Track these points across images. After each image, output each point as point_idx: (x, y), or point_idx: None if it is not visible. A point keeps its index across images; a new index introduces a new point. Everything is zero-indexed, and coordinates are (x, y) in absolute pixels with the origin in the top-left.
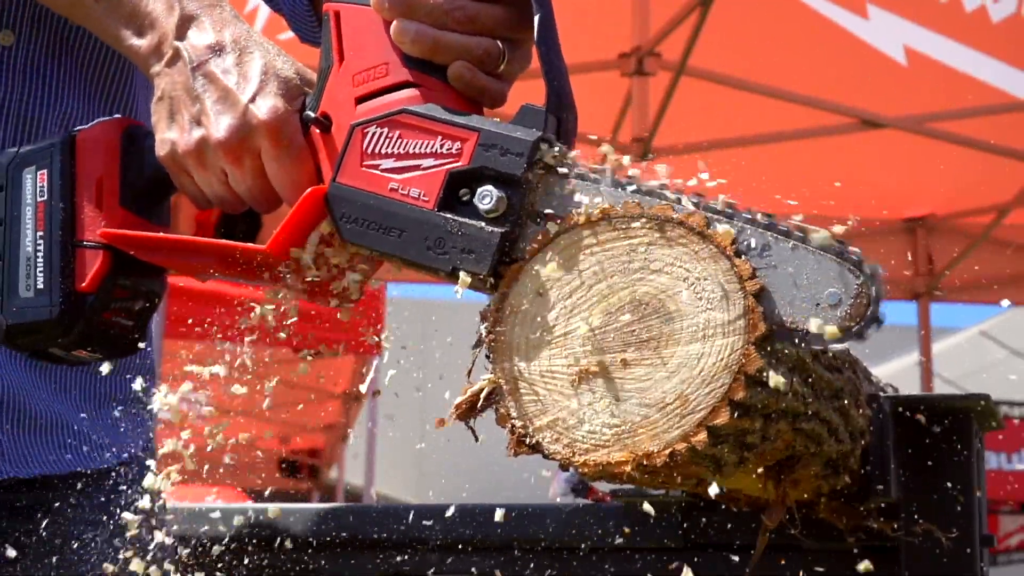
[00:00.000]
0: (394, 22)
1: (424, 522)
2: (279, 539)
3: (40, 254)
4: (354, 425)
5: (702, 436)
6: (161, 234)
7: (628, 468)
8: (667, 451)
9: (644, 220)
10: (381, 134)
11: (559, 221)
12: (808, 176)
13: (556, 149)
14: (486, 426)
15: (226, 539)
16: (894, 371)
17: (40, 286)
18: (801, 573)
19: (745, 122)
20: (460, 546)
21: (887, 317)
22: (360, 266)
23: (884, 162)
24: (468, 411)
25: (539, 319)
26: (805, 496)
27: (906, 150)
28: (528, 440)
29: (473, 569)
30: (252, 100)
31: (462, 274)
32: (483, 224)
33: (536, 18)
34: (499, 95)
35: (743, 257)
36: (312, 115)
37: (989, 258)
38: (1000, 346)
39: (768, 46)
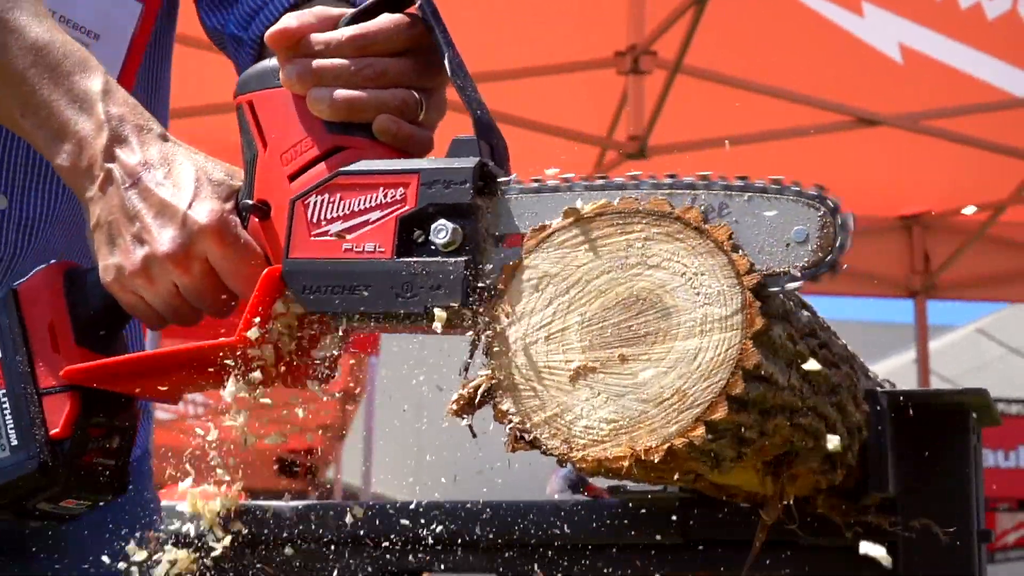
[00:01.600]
0: (308, 94)
1: (419, 519)
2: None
3: (7, 411)
4: (350, 425)
5: (700, 431)
6: (122, 356)
7: (626, 463)
8: (665, 446)
9: (641, 215)
10: (322, 201)
11: (529, 233)
12: (804, 174)
13: (497, 171)
14: (484, 424)
15: (225, 536)
16: (891, 369)
17: (15, 443)
18: (798, 569)
19: (741, 120)
20: (456, 543)
21: (883, 314)
22: (330, 342)
23: (880, 160)
24: (465, 407)
25: (536, 315)
26: (802, 492)
27: (902, 148)
28: (526, 436)
29: (469, 566)
30: (190, 207)
31: (436, 311)
32: (444, 258)
33: (445, 59)
34: (426, 142)
35: (740, 252)
36: (250, 203)
37: (985, 255)
38: (997, 344)
39: (763, 44)
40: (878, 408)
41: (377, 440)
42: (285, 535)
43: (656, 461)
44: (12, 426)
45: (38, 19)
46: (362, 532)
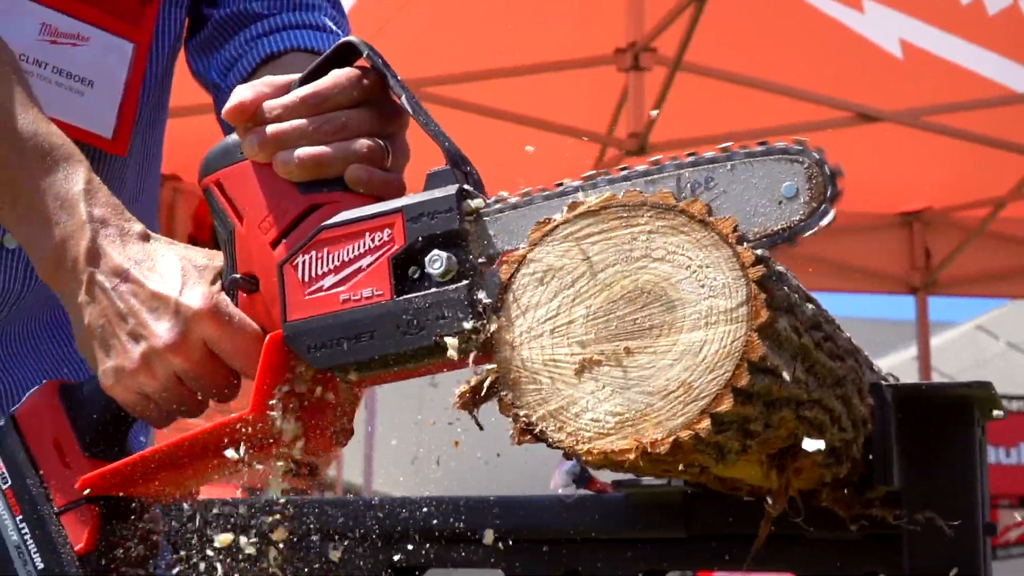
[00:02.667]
0: (273, 160)
1: (422, 514)
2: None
3: (28, 537)
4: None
5: (706, 423)
6: (135, 455)
7: (632, 456)
8: (671, 439)
9: (646, 208)
10: (310, 259)
11: (533, 226)
12: None
13: (476, 195)
14: (486, 420)
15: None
16: (891, 366)
17: (42, 566)
18: (803, 562)
19: (741, 117)
20: (459, 539)
21: (883, 311)
22: (345, 398)
23: (881, 156)
24: (470, 401)
25: (541, 308)
26: (807, 486)
27: (902, 144)
28: (531, 429)
29: (473, 562)
30: (180, 294)
31: (447, 340)
32: (444, 287)
33: (403, 99)
34: (398, 186)
35: (745, 244)
36: (237, 277)
37: (986, 252)
38: (997, 340)
39: (764, 41)
40: (882, 402)
41: (378, 436)
42: (289, 528)
43: (662, 454)
44: (36, 549)
45: (25, 107)
46: (364, 527)
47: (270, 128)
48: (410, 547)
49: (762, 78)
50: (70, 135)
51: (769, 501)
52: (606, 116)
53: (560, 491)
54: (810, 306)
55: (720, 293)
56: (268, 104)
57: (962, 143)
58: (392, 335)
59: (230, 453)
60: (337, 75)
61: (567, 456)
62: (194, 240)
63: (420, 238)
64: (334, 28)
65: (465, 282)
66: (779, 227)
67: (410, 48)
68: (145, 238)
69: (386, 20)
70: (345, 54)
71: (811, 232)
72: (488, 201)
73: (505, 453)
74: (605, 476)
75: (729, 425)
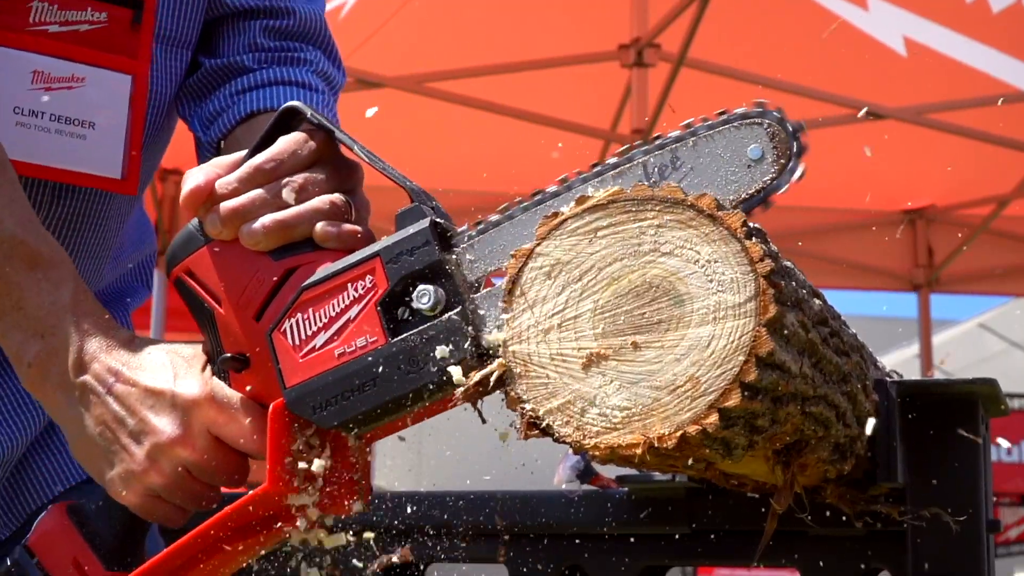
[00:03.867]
0: (239, 235)
1: (426, 510)
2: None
3: None
4: None
5: (713, 418)
6: (160, 554)
7: (639, 451)
8: (678, 434)
9: (654, 202)
10: (297, 322)
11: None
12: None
13: (448, 226)
14: (489, 415)
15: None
16: (893, 364)
17: None
18: (808, 558)
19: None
20: (462, 533)
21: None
22: (358, 453)
23: (884, 153)
24: (476, 394)
25: (549, 303)
26: (812, 482)
27: (906, 141)
28: (538, 423)
29: (476, 557)
30: (175, 385)
31: (452, 370)
32: (437, 319)
33: (356, 149)
34: (367, 237)
35: (753, 239)
36: (228, 356)
37: (989, 249)
38: (999, 338)
39: (767, 37)
40: (887, 398)
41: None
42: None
43: (669, 448)
44: None
45: (12, 211)
46: (364, 521)
47: (229, 204)
48: (412, 542)
49: (766, 75)
50: (77, 182)
51: (774, 498)
52: (610, 112)
53: (564, 486)
54: (817, 301)
55: (728, 288)
56: (222, 182)
57: (966, 141)
58: (395, 378)
59: (259, 540)
60: (286, 140)
61: (574, 450)
62: None
63: (403, 277)
64: (319, 85)
65: (456, 310)
66: (753, 190)
67: (413, 44)
68: (131, 341)
69: (390, 16)
70: (289, 119)
71: (784, 189)
72: (459, 231)
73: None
74: (609, 472)
75: (736, 420)
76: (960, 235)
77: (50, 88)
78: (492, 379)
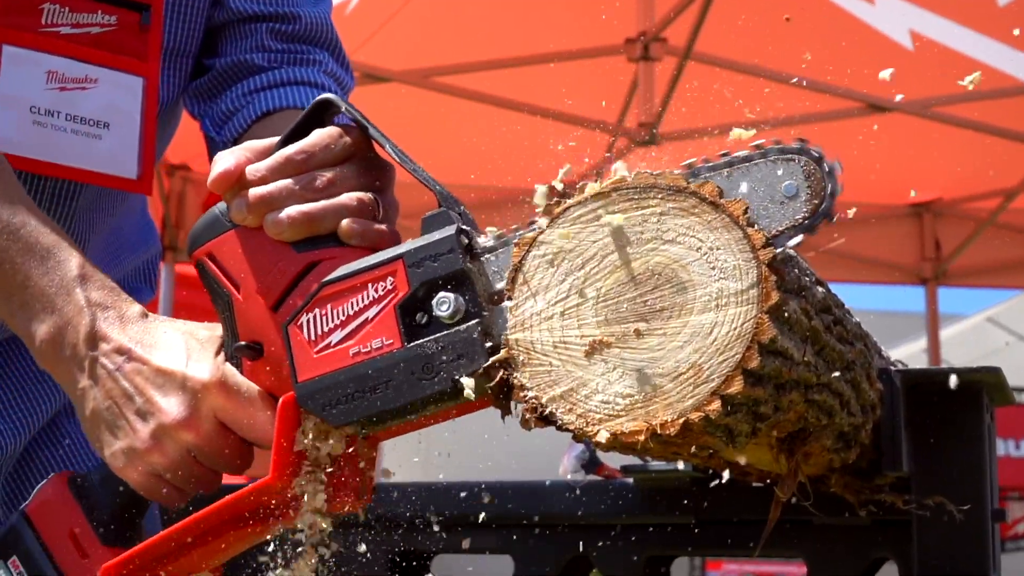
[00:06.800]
0: (264, 223)
1: (432, 500)
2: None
3: None
4: None
5: (716, 405)
6: (157, 535)
7: (642, 438)
8: (681, 420)
9: (657, 190)
10: (314, 317)
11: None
12: None
13: (474, 233)
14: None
15: None
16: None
17: None
18: (812, 547)
19: (751, 107)
20: (468, 525)
21: (892, 303)
22: (361, 455)
23: (890, 147)
24: (493, 401)
25: (551, 290)
26: (816, 472)
27: (912, 134)
28: (541, 411)
29: (482, 548)
30: (187, 368)
31: (464, 381)
32: (455, 328)
33: (388, 149)
34: (393, 238)
35: (756, 226)
36: (242, 344)
37: (996, 243)
38: (1007, 332)
39: (773, 31)
40: (891, 387)
41: None
42: None
43: (672, 435)
44: None
45: (9, 200)
46: (371, 512)
47: (257, 191)
48: (417, 532)
49: (772, 68)
50: (94, 182)
51: (778, 486)
52: (616, 106)
53: (569, 477)
54: (820, 289)
55: (731, 275)
56: (252, 168)
57: (972, 134)
58: (407, 383)
59: (257, 531)
60: (319, 133)
61: (576, 438)
62: None
63: (424, 282)
64: (332, 86)
65: (475, 321)
66: (781, 228)
67: (419, 38)
68: (144, 317)
69: (396, 9)
70: (323, 112)
71: (814, 231)
72: (487, 238)
73: (509, 442)
74: (614, 462)
75: (739, 407)
76: (968, 228)
77: (65, 88)
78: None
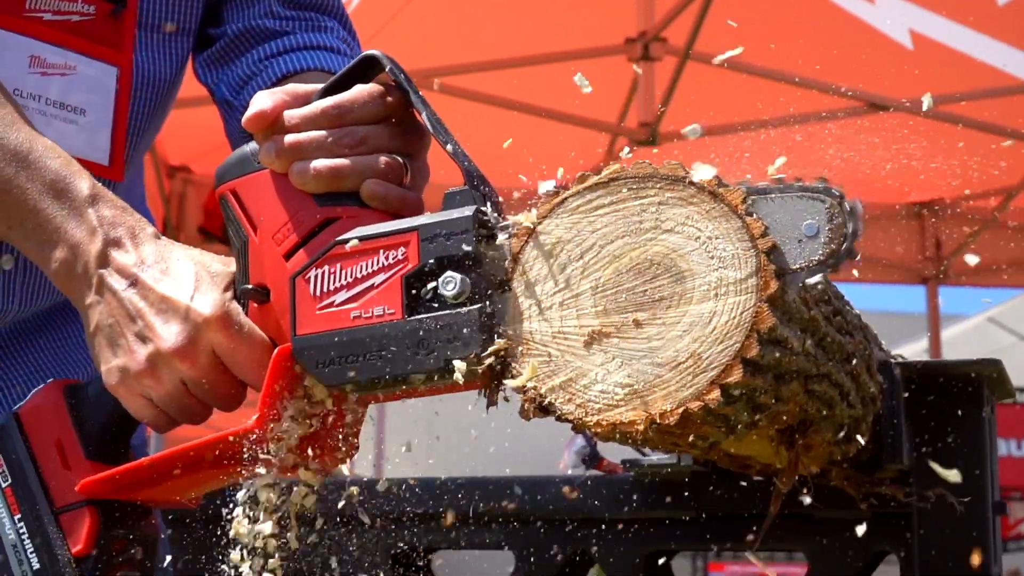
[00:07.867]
0: (290, 170)
1: (435, 496)
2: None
3: (25, 537)
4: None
5: (715, 394)
6: (138, 461)
7: (641, 427)
8: (680, 410)
9: (655, 180)
10: (323, 273)
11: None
12: (813, 160)
13: (493, 217)
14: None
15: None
16: None
17: (37, 566)
18: (812, 540)
19: (751, 107)
20: (471, 519)
21: (893, 303)
22: (351, 414)
23: (890, 147)
24: (484, 385)
25: (551, 280)
26: (817, 465)
27: (912, 134)
28: (540, 402)
29: (483, 543)
30: (191, 299)
31: (456, 364)
32: (456, 310)
33: (424, 116)
34: (416, 205)
35: (754, 216)
36: (249, 287)
37: (997, 242)
38: (1008, 332)
39: (774, 30)
40: (891, 379)
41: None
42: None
43: (671, 425)
44: (32, 550)
45: (15, 126)
46: (375, 509)
47: (289, 137)
48: (420, 528)
49: (772, 68)
50: None
51: (779, 478)
52: (616, 106)
53: (570, 471)
54: None
55: (729, 264)
56: (288, 114)
57: (972, 133)
58: (401, 355)
59: (235, 472)
60: (360, 89)
61: (575, 429)
62: (205, 230)
63: (435, 258)
64: (348, 51)
65: (478, 306)
66: (798, 266)
67: (419, 38)
68: (157, 238)
69: (397, 9)
70: (367, 68)
71: (827, 272)
72: (504, 224)
73: (513, 439)
74: (614, 456)
75: (738, 397)
76: (968, 228)
77: (46, 73)
78: (496, 359)
